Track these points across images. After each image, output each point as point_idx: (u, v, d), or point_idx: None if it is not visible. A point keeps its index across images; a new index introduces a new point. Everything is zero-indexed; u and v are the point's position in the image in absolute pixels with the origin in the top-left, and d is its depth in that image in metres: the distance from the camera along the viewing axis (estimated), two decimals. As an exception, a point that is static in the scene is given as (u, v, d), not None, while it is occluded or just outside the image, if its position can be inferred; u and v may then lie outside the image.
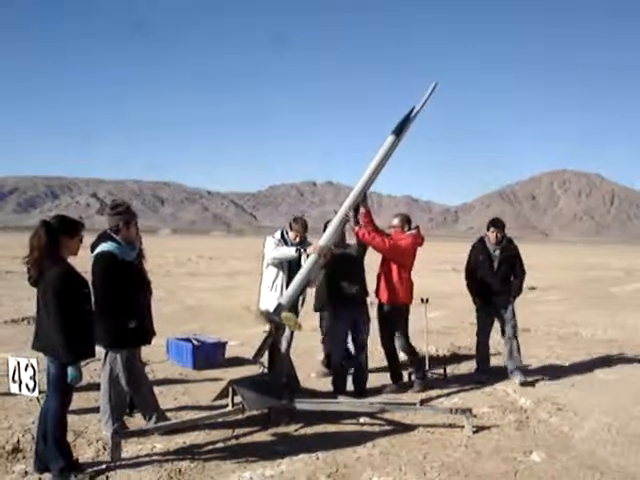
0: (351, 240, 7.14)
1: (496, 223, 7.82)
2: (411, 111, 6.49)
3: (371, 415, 6.14)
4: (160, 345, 8.25)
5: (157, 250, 40.34)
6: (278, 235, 6.83)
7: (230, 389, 6.00)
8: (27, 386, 5.74)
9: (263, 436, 5.64)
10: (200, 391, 7.05)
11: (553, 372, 8.17)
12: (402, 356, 7.42)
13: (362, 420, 6.10)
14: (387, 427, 5.94)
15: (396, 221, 7.28)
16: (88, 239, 5.10)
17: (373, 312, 7.20)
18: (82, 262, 5.07)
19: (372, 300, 7.20)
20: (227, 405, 6.05)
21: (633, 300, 18.50)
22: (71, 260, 4.67)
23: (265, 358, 6.48)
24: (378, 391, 7.11)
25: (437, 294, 17.56)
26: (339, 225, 6.56)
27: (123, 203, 5.54)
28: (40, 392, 5.32)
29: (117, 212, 5.43)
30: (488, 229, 7.87)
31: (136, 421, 5.80)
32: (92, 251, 5.38)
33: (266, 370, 6.59)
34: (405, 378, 7.52)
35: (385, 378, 7.43)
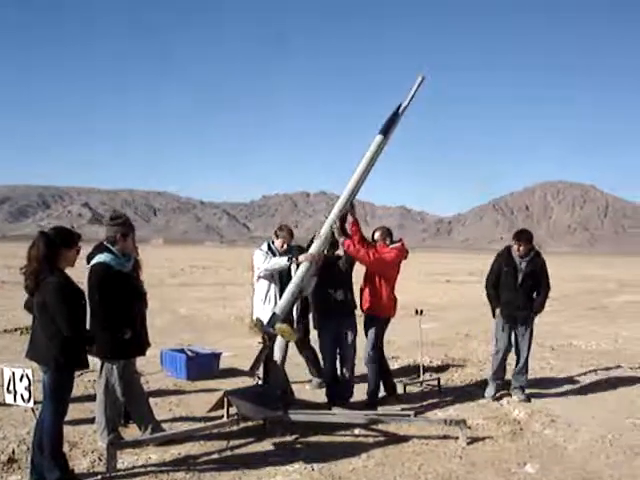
0: (339, 250, 7.09)
1: (519, 236, 7.33)
2: (398, 108, 6.33)
3: (366, 426, 6.15)
4: (154, 356, 8.24)
5: (149, 260, 40.22)
6: (265, 247, 6.84)
7: (225, 400, 6.00)
8: (22, 397, 5.69)
9: (258, 447, 5.64)
10: (194, 402, 7.05)
11: (547, 383, 8.20)
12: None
13: (357, 431, 6.10)
14: (382, 438, 5.95)
15: (377, 235, 7.16)
16: (82, 250, 5.11)
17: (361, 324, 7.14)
18: (77, 273, 5.08)
19: (359, 312, 7.14)
20: (222, 416, 6.04)
21: (626, 312, 18.58)
22: (67, 271, 4.69)
23: (260, 369, 6.48)
24: (368, 404, 7.03)
25: (431, 306, 17.62)
26: (329, 230, 6.42)
27: (122, 215, 5.60)
28: (35, 402, 5.31)
29: (116, 223, 5.47)
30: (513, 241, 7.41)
31: (131, 432, 5.80)
32: (88, 262, 5.41)
33: (261, 381, 6.59)
34: (400, 389, 7.55)
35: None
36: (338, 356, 7.14)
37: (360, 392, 7.14)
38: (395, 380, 7.57)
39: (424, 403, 7.19)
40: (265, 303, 6.67)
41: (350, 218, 6.70)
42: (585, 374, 8.95)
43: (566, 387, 8.11)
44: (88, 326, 4.91)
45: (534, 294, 7.45)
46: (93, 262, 5.33)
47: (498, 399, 7.38)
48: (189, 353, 8.52)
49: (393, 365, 8.79)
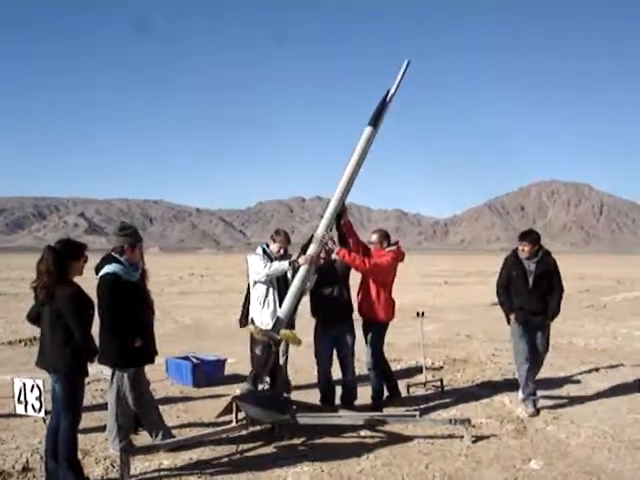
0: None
1: (525, 236, 7.02)
2: (386, 95, 6.28)
3: (371, 428, 6.25)
4: (159, 364, 8.30)
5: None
6: (260, 251, 6.86)
7: (234, 405, 6.08)
8: (33, 407, 5.78)
9: (267, 450, 5.74)
10: (201, 408, 7.13)
11: (548, 382, 8.28)
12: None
13: (363, 433, 6.19)
14: (388, 439, 6.04)
15: (374, 238, 7.13)
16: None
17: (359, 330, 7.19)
18: (85, 283, 5.16)
19: (357, 317, 7.16)
20: (231, 421, 6.11)
21: (624, 309, 18.74)
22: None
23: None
24: (373, 407, 7.09)
25: (430, 307, 17.73)
26: (326, 230, 6.40)
27: (130, 226, 5.68)
28: (46, 412, 5.39)
29: (124, 234, 5.56)
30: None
31: (141, 439, 5.88)
32: (97, 273, 5.50)
33: (268, 386, 6.68)
34: (403, 391, 7.63)
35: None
36: (337, 360, 7.13)
37: (363, 396, 7.21)
38: (398, 382, 7.64)
39: (428, 404, 7.27)
40: (264, 307, 6.72)
41: (342, 220, 6.70)
42: (585, 372, 9.06)
43: (567, 385, 8.22)
44: (96, 336, 5.01)
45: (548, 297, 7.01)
46: (102, 272, 5.41)
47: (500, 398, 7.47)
48: (194, 360, 8.60)
49: (395, 367, 8.85)
